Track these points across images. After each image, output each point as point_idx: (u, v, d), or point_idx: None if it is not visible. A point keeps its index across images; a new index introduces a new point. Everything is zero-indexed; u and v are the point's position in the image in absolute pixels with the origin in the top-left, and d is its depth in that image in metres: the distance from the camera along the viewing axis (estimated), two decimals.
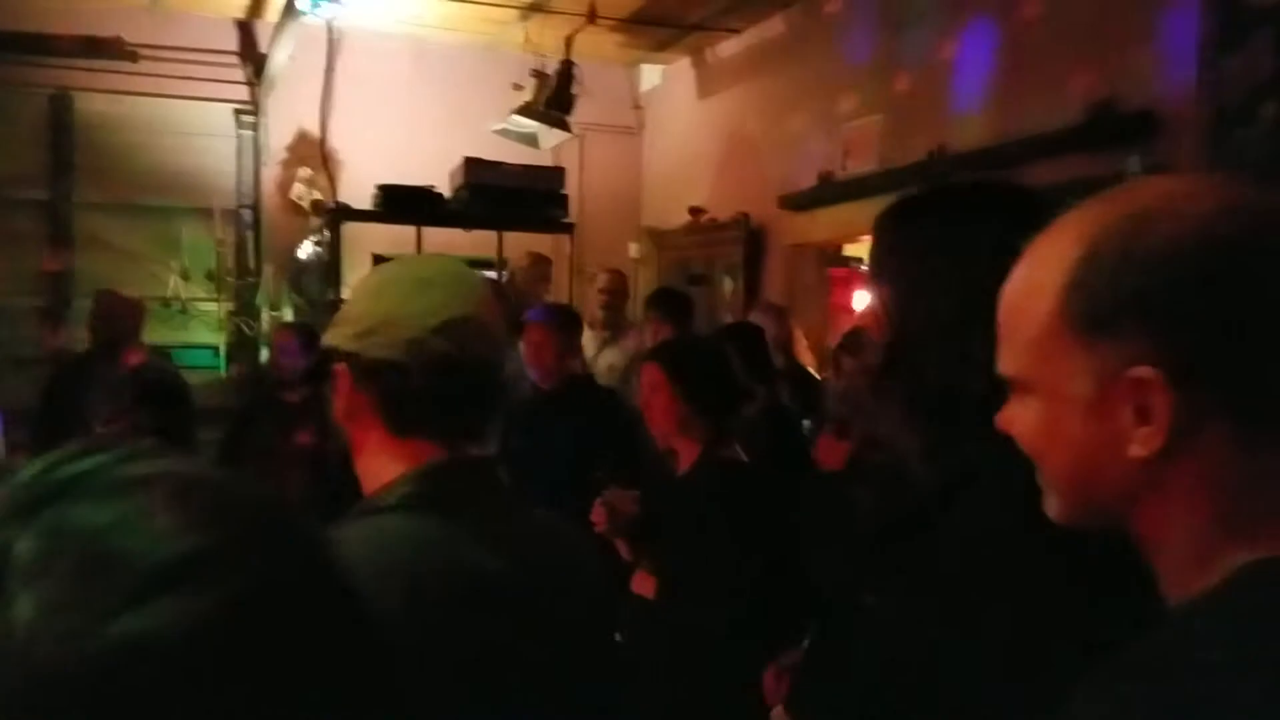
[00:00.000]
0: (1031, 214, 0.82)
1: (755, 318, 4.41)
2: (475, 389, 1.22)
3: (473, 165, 5.16)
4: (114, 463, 0.37)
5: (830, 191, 4.92)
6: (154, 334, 5.55)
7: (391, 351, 1.16)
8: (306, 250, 5.68)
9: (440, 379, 1.17)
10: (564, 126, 5.41)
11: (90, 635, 0.31)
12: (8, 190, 5.61)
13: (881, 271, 1.23)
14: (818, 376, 4.44)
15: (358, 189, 5.42)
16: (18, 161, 5.62)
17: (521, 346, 3.72)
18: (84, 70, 5.61)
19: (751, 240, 5.66)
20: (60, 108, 5.67)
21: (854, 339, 3.44)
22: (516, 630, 1.09)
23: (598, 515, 2.54)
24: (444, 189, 5.29)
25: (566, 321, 3.87)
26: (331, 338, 1.23)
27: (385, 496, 1.16)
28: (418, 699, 0.39)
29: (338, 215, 5.06)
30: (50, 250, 5.67)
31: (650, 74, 6.88)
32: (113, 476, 0.36)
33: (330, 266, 5.23)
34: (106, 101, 5.69)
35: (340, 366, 1.21)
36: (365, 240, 5.47)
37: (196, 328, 5.88)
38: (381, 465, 1.20)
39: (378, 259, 6.22)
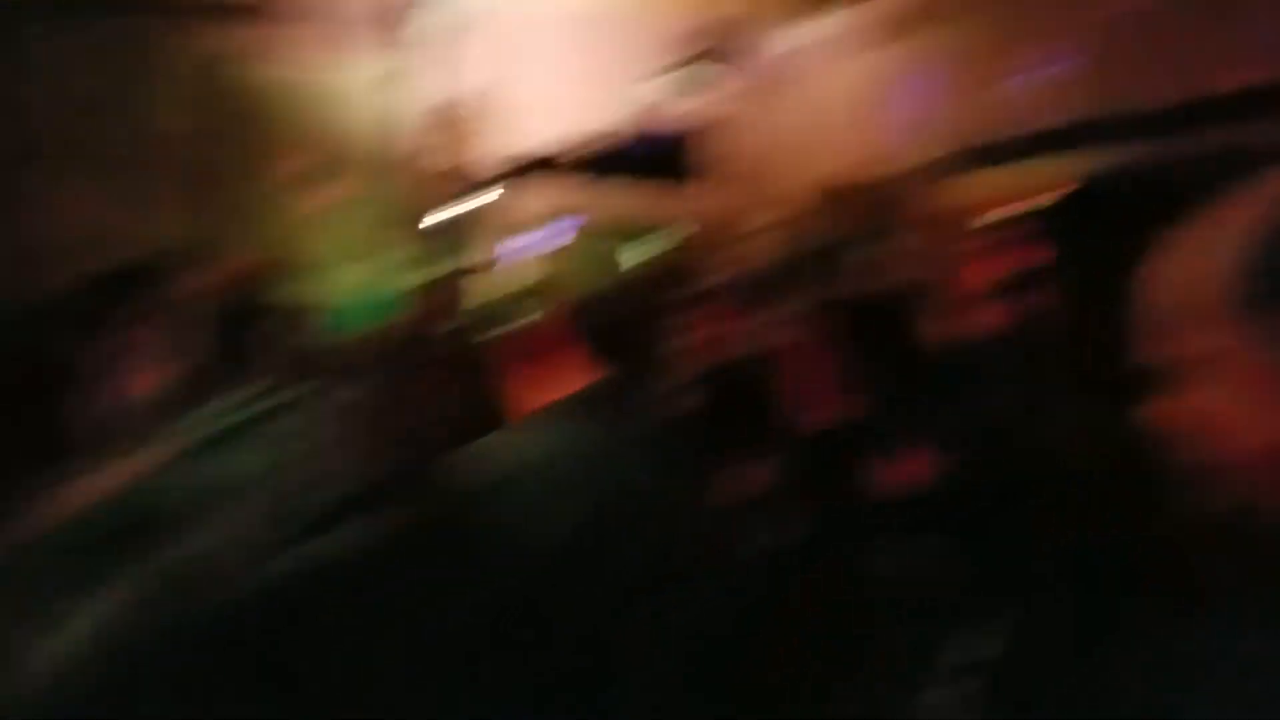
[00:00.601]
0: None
1: None
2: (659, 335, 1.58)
3: (627, 120, 5.08)
4: (285, 405, 0.34)
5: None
6: (312, 290, 5.69)
7: (599, 290, 1.44)
8: (451, 211, 5.71)
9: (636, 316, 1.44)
10: (724, 78, 5.25)
11: (267, 562, 0.37)
12: (164, 149, 5.80)
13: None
14: None
15: (511, 148, 5.40)
16: (173, 120, 5.81)
17: None
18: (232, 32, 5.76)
19: (905, 202, 5.38)
20: (216, 65, 5.82)
21: None
22: None
23: None
24: (590, 148, 5.22)
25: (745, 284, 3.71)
26: (548, 278, 1.52)
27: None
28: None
29: (482, 178, 5.06)
30: None
31: (789, 32, 6.62)
32: (285, 418, 0.33)
33: (470, 228, 5.25)
34: (266, 60, 5.82)
35: (553, 302, 1.46)
36: (514, 201, 5.45)
37: (351, 285, 6.01)
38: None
39: (522, 221, 6.25)
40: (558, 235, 5.28)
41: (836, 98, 6.24)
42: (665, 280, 1.58)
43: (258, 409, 0.32)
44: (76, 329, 3.28)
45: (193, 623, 0.24)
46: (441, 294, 4.51)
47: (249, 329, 4.62)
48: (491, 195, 5.13)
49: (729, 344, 3.61)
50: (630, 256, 1.52)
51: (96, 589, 0.24)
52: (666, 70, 5.17)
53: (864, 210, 5.65)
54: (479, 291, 5.26)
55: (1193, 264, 0.70)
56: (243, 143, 5.79)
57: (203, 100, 5.77)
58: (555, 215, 5.19)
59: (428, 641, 0.28)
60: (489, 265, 5.59)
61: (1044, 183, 1.35)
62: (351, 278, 5.99)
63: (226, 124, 5.80)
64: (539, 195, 5.62)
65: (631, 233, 1.63)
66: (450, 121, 5.94)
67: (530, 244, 6.34)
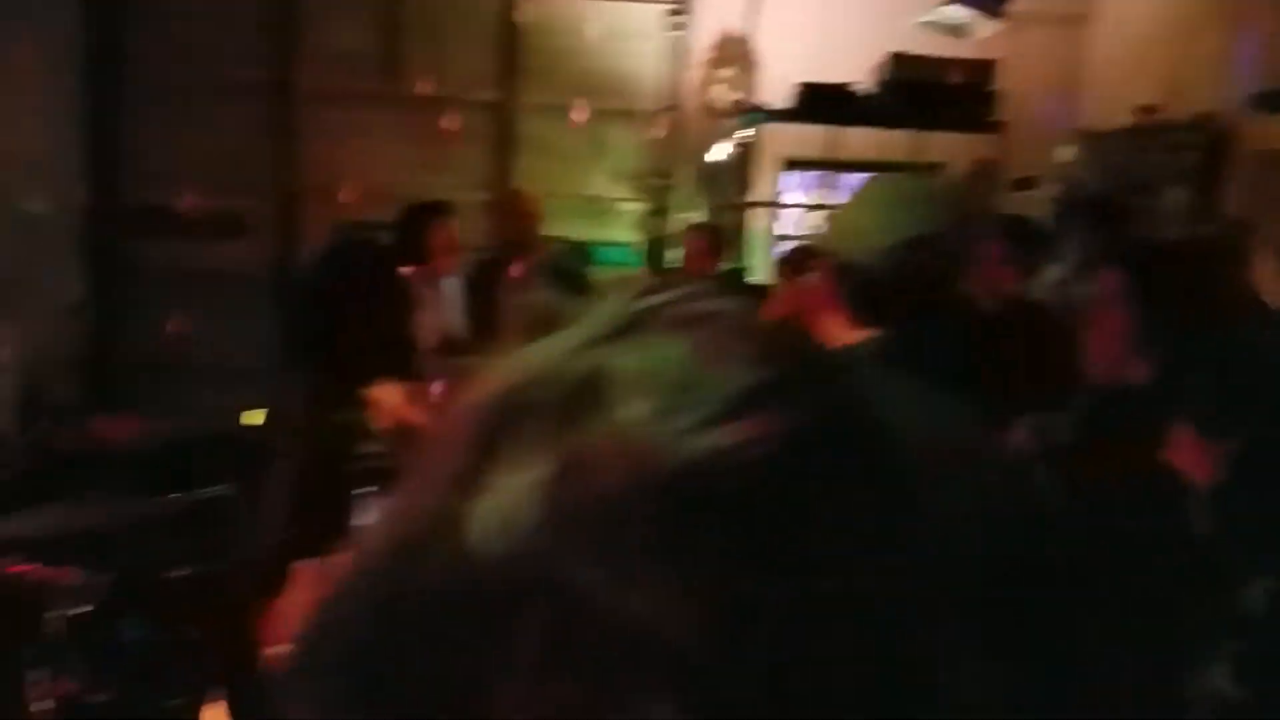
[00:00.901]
0: None
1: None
2: (929, 303, 1.38)
3: (897, 61, 4.91)
4: (685, 298, 0.39)
5: None
6: (578, 231, 5.98)
7: (865, 255, 1.35)
8: (719, 152, 5.77)
9: (902, 283, 1.35)
10: (999, 14, 4.96)
11: (676, 447, 0.32)
12: (464, 90, 6.20)
13: None
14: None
15: (778, 90, 5.38)
16: (471, 64, 6.18)
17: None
18: None
19: (1212, 145, 4.91)
20: (510, 9, 6.13)
21: None
22: None
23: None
24: (867, 87, 5.10)
25: (1025, 237, 3.53)
26: (821, 235, 1.61)
27: None
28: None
29: (756, 115, 5.04)
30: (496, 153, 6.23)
31: None
32: (685, 310, 0.38)
33: (742, 168, 5.28)
34: (551, 4, 6.07)
35: (823, 260, 1.45)
36: (779, 143, 5.45)
37: (618, 226, 6.22)
38: None
39: (788, 163, 6.24)
40: (831, 186, 5.21)
41: (1132, 31, 5.75)
42: (949, 232, 1.54)
43: (672, 295, 0.33)
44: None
45: (619, 493, 0.27)
46: (714, 232, 4.59)
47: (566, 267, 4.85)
48: (758, 134, 5.14)
49: (1011, 295, 3.47)
50: (903, 212, 1.52)
51: (527, 458, 0.27)
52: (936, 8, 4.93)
53: (1165, 150, 5.21)
54: (754, 231, 5.29)
55: None
56: (534, 85, 6.11)
57: (501, 44, 6.12)
58: (828, 162, 5.16)
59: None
60: (766, 204, 5.63)
61: None
62: (621, 219, 6.21)
63: (520, 66, 6.13)
64: (804, 138, 5.57)
65: (907, 189, 1.61)
66: (729, 58, 5.97)
67: (805, 187, 6.28)
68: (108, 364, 6.23)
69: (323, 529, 2.13)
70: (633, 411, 0.34)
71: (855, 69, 5.13)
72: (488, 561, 0.31)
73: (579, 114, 5.96)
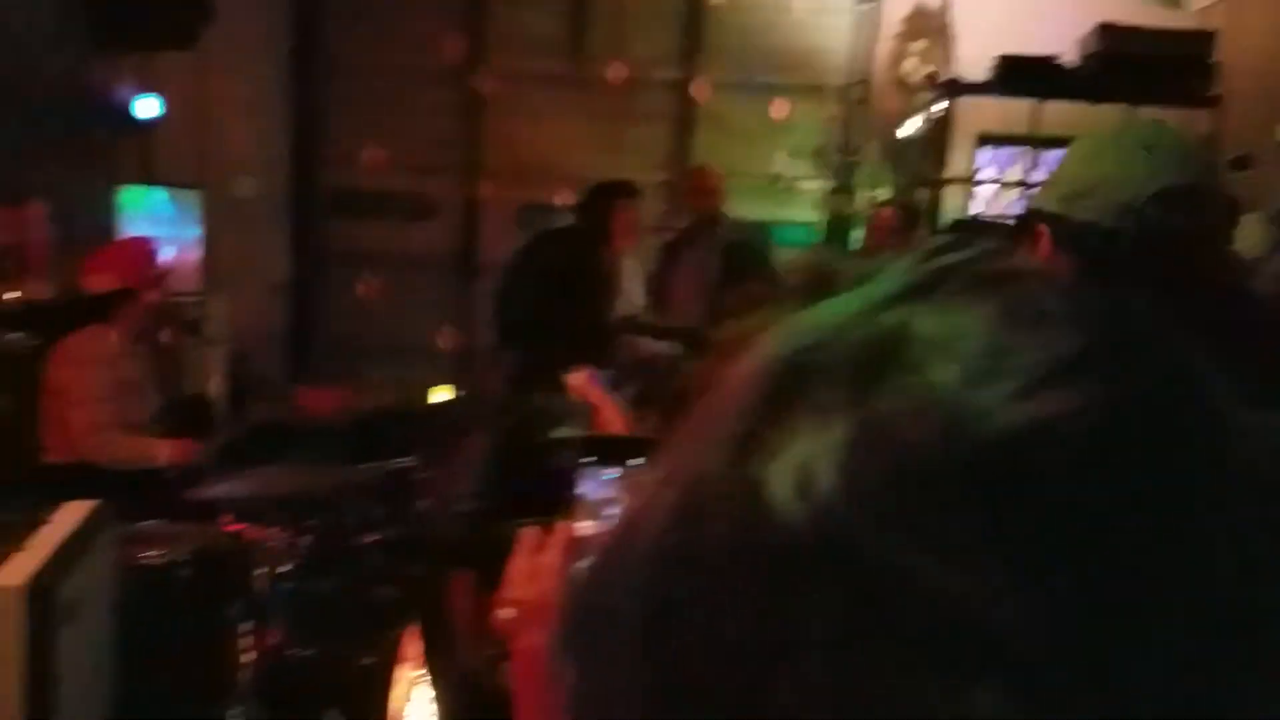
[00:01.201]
0: None
1: None
2: (1187, 264, 1.16)
3: (1106, 31, 4.57)
4: (984, 256, 0.36)
5: None
6: (755, 209, 5.87)
7: (1101, 215, 1.14)
8: (910, 128, 5.54)
9: (1150, 248, 1.13)
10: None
11: (978, 420, 0.30)
12: (646, 71, 6.19)
13: None
14: None
15: (975, 62, 5.11)
16: (657, 44, 6.17)
17: None
18: None
19: None
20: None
21: None
22: None
23: None
24: (1071, 59, 4.79)
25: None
26: (1037, 199, 1.26)
27: None
28: None
29: (951, 89, 4.80)
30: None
31: None
32: (986, 269, 0.35)
33: (935, 144, 5.05)
34: None
35: (1042, 228, 1.21)
36: (973, 118, 5.19)
37: (797, 205, 6.07)
38: None
39: (983, 139, 5.94)
40: (1031, 162, 4.92)
41: None
42: (1207, 185, 1.30)
43: (969, 254, 0.30)
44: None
45: (928, 461, 0.24)
46: (905, 209, 4.41)
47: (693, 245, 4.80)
48: (952, 108, 4.90)
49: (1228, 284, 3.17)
50: (1152, 161, 1.24)
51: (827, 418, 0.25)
52: None
53: None
54: (947, 209, 5.07)
55: None
56: (718, 64, 6.05)
57: (686, 24, 6.08)
58: (1027, 138, 4.87)
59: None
60: (961, 181, 5.38)
61: None
62: (801, 197, 6.07)
63: (704, 45, 6.07)
64: (1001, 113, 5.29)
65: (1154, 135, 1.32)
66: (921, 31, 5.74)
67: (1001, 164, 5.98)
68: (307, 339, 6.58)
69: (520, 500, 2.14)
70: (938, 375, 0.31)
71: (1055, 41, 4.83)
72: (785, 525, 0.30)
73: (778, 108, 5.85)
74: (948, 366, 0.32)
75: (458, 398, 5.00)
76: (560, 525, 0.77)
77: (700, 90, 6.12)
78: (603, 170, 5.19)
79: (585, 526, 0.78)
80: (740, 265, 4.60)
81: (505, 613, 0.76)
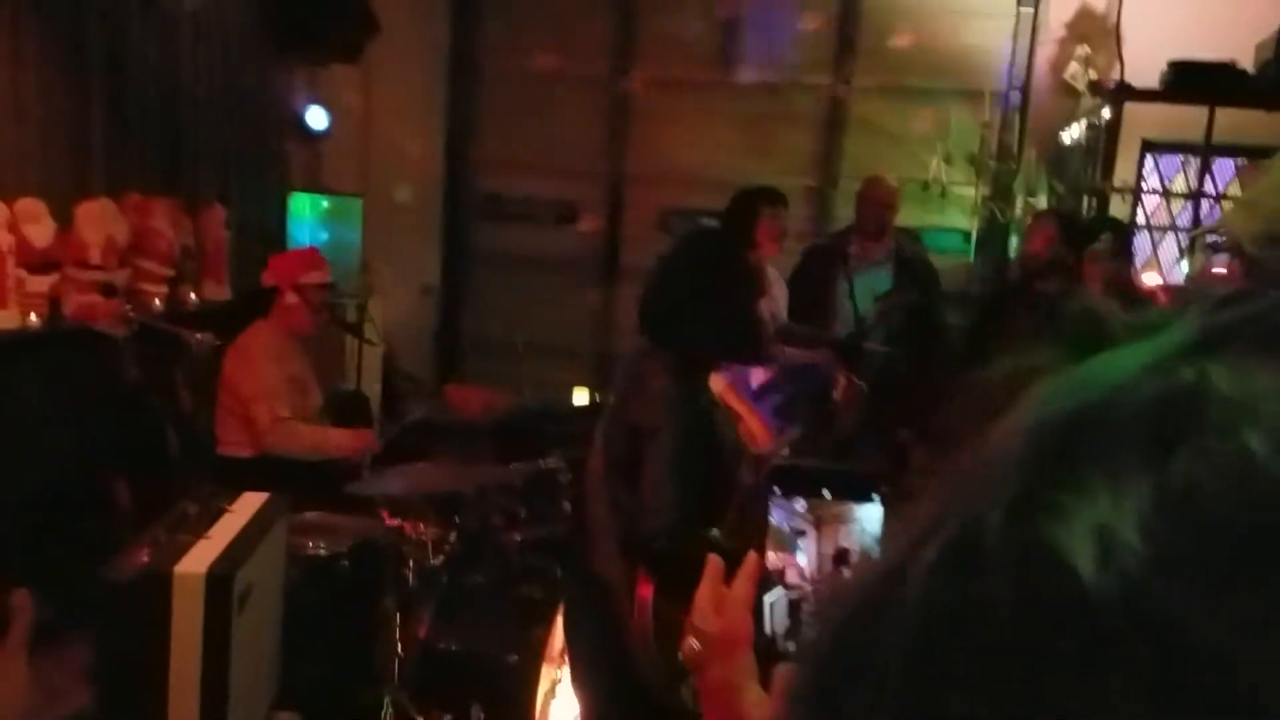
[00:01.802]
0: None
1: None
2: None
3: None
4: (1273, 311, 0.34)
5: None
6: (908, 216, 5.73)
7: None
8: (1072, 134, 5.33)
9: None
10: None
11: None
12: (796, 75, 6.14)
13: None
14: None
15: (1140, 67, 4.88)
16: (807, 48, 6.10)
17: None
18: None
19: None
20: None
21: None
22: None
23: None
24: (1247, 64, 4.51)
25: None
26: (1231, 219, 1.15)
27: None
28: None
29: (1119, 95, 4.59)
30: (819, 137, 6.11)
31: None
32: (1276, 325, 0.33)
33: (1099, 151, 4.84)
34: None
35: (1234, 263, 1.18)
36: (1137, 124, 4.95)
37: (951, 211, 5.91)
38: None
39: (1147, 145, 5.66)
40: (1204, 171, 4.66)
41: None
42: None
43: (1262, 306, 0.28)
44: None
45: (1244, 533, 0.22)
46: (1067, 219, 4.24)
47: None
48: (1118, 114, 4.67)
49: None
50: None
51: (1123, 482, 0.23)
52: None
53: None
54: (1117, 215, 4.85)
55: None
56: (869, 68, 5.96)
57: (837, 28, 6.01)
58: (1197, 146, 4.60)
59: None
60: (1129, 190, 5.13)
61: None
62: (955, 204, 5.90)
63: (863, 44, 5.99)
64: (1168, 119, 5.03)
65: None
66: (1085, 35, 5.50)
67: (1169, 171, 5.67)
68: (454, 339, 6.79)
69: (707, 515, 2.16)
70: (1247, 441, 0.30)
71: (1223, 47, 4.56)
72: (1088, 593, 0.29)
73: (932, 113, 5.72)
74: (1255, 431, 0.30)
75: (603, 402, 5.06)
76: (749, 556, 0.77)
77: (851, 95, 6.03)
78: (748, 176, 5.18)
79: (774, 558, 0.78)
80: (910, 279, 4.54)
81: (692, 644, 0.77)
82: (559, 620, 3.19)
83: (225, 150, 4.64)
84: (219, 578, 2.43)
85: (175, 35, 4.30)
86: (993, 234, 5.83)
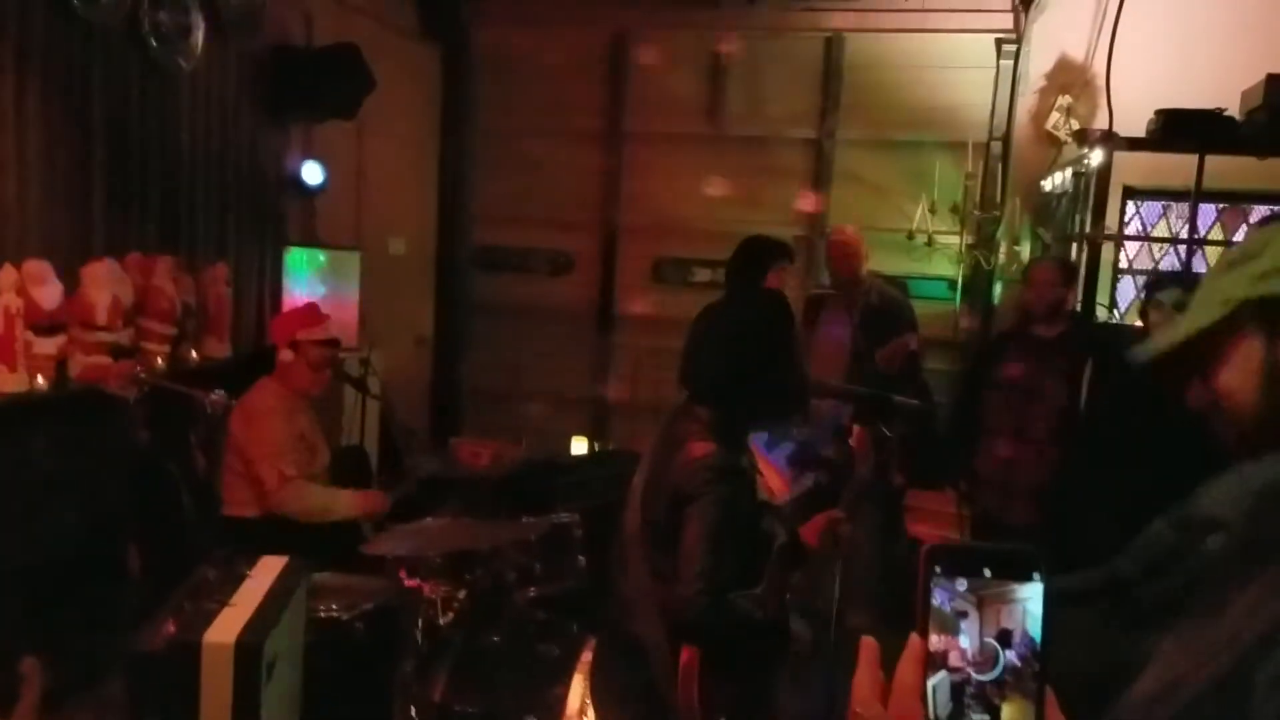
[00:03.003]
0: None
1: None
2: None
3: (1275, 83, 4.43)
4: None
5: None
6: (894, 265, 5.82)
7: None
8: (1054, 182, 5.44)
9: None
10: None
11: None
12: (782, 129, 6.24)
13: None
14: None
15: (1123, 116, 5.01)
16: (793, 103, 6.22)
17: None
18: (856, 11, 5.98)
19: None
20: (833, 49, 6.12)
21: None
22: None
23: None
24: (1234, 112, 4.64)
25: None
26: (1232, 286, 1.04)
27: None
28: None
29: (1108, 143, 4.70)
30: (807, 190, 6.21)
31: None
32: None
33: (1082, 198, 4.94)
34: (874, 40, 6.00)
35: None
36: (1120, 171, 5.07)
37: (937, 260, 6.01)
38: None
39: (1129, 191, 5.79)
40: (1191, 217, 4.77)
41: None
42: None
43: None
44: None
45: None
46: (1064, 266, 4.31)
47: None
48: (1105, 162, 4.78)
49: None
50: None
51: None
52: None
53: None
54: (1098, 264, 4.95)
55: None
56: (853, 121, 6.07)
57: (822, 83, 6.13)
58: (1182, 192, 4.71)
59: None
60: (1122, 237, 5.25)
61: None
62: (940, 253, 6.00)
63: (846, 99, 6.10)
64: (1153, 167, 5.15)
65: None
66: (1068, 84, 5.65)
67: (1152, 218, 5.78)
68: (450, 390, 6.77)
69: (744, 579, 2.14)
70: None
71: (1219, 93, 4.69)
72: None
73: (916, 163, 5.81)
74: None
75: (612, 451, 5.06)
76: (912, 638, 0.78)
77: (835, 148, 6.14)
78: (739, 226, 5.23)
79: (936, 640, 0.79)
80: (881, 327, 4.56)
81: None
82: (576, 679, 3.16)
83: (224, 207, 4.64)
84: (248, 647, 2.39)
85: (174, 96, 4.31)
86: (978, 281, 5.92)
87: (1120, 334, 4.89)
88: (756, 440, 3.41)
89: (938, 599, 0.80)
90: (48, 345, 3.43)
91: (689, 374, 2.30)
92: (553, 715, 3.20)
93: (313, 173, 5.14)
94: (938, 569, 0.80)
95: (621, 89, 6.41)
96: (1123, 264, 5.78)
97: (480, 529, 3.59)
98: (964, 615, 0.79)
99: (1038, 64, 5.76)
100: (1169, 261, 5.60)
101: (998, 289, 5.84)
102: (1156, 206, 5.80)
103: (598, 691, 2.65)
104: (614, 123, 6.43)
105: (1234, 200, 5.55)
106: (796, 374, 2.28)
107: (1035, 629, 0.79)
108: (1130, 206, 5.82)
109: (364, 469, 4.66)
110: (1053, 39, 5.69)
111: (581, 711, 3.16)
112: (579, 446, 5.84)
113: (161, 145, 4.25)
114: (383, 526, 3.62)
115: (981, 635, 0.80)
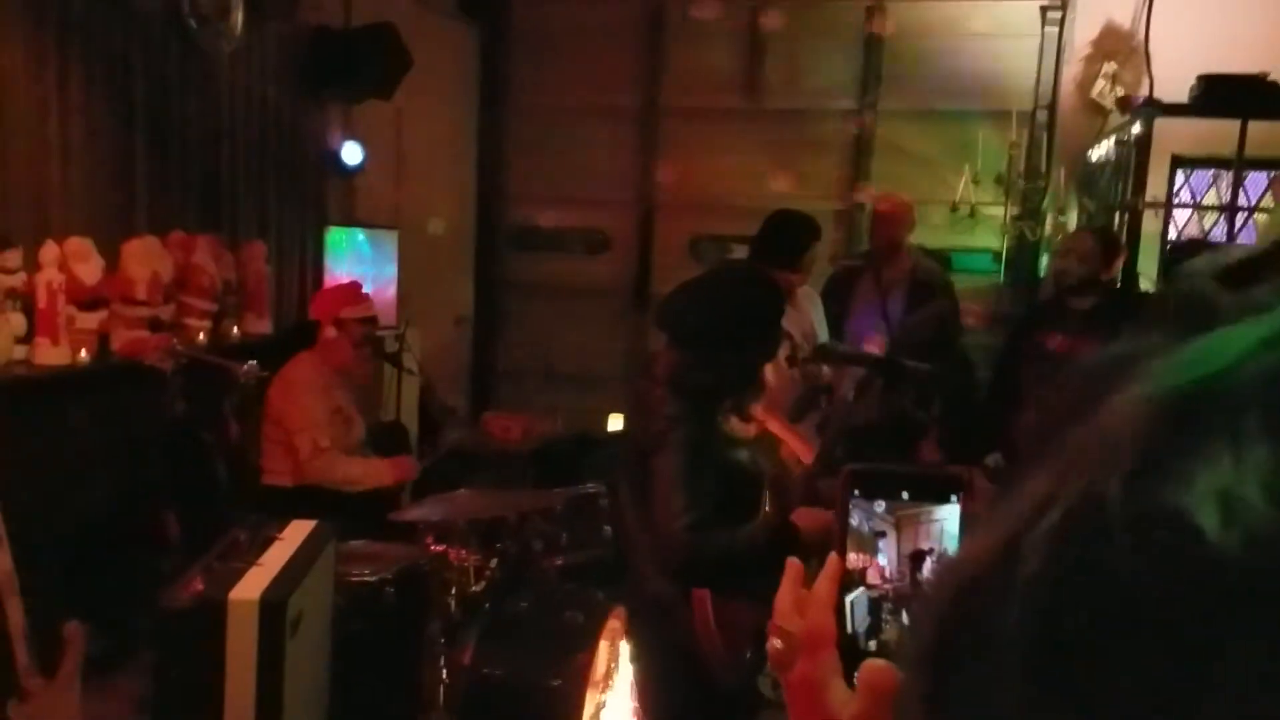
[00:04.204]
0: None
1: None
2: None
3: None
4: None
5: None
6: (937, 238, 5.75)
7: None
8: (1101, 151, 5.33)
9: None
10: None
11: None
12: (822, 101, 6.19)
13: None
14: None
15: (1168, 83, 4.89)
16: (833, 74, 6.16)
17: None
18: None
19: None
20: (874, 18, 6.04)
21: None
22: None
23: None
24: (1277, 76, 4.50)
25: None
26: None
27: None
28: None
29: (1149, 111, 4.59)
30: (848, 168, 6.15)
31: None
32: None
33: (1129, 168, 4.83)
34: (916, 9, 5.91)
35: None
36: (1166, 140, 4.94)
37: (980, 232, 5.92)
38: None
39: (1177, 160, 5.65)
40: (1237, 185, 4.65)
41: None
42: None
43: None
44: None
45: None
46: (1105, 235, 4.24)
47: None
48: (1148, 130, 4.66)
49: None
50: None
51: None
52: None
53: None
54: (1149, 231, 4.84)
55: None
56: (896, 91, 6.00)
57: (863, 53, 6.06)
58: (1229, 160, 4.59)
59: None
60: (1162, 205, 5.12)
61: None
62: (984, 224, 5.91)
63: (887, 69, 6.04)
64: (1198, 134, 5.02)
65: None
66: (1112, 52, 5.52)
67: (1199, 186, 5.65)
68: (489, 368, 6.85)
69: (726, 520, 2.20)
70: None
71: (1252, 60, 4.56)
72: (1216, 553, 0.29)
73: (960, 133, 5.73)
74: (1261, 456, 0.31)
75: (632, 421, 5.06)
76: (831, 556, 0.79)
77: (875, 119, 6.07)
78: (777, 201, 5.20)
79: (854, 559, 0.80)
80: (920, 298, 4.53)
81: (776, 643, 0.79)
82: (601, 645, 3.20)
83: (264, 187, 4.74)
84: (272, 604, 2.47)
85: (215, 77, 4.40)
86: (1022, 253, 5.83)
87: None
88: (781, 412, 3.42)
89: (855, 519, 0.81)
90: (89, 320, 3.54)
91: (669, 316, 2.39)
92: (578, 681, 3.25)
93: (352, 153, 5.22)
94: (856, 491, 0.82)
95: (658, 64, 6.39)
96: (1171, 234, 5.64)
97: (508, 498, 3.66)
98: (882, 535, 0.81)
99: (1083, 31, 5.63)
100: (1219, 232, 5.45)
101: (1043, 261, 5.74)
102: (1206, 175, 5.65)
103: (637, 657, 2.72)
104: (651, 99, 6.42)
105: None
106: (765, 357, 2.36)
107: (953, 548, 0.80)
108: (1180, 176, 5.68)
109: (403, 444, 4.73)
110: (1098, 5, 5.55)
111: (607, 676, 3.20)
112: (615, 423, 5.87)
113: (202, 126, 4.35)
114: (415, 495, 3.70)
115: (900, 554, 0.81)
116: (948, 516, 0.81)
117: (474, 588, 3.42)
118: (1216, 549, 0.29)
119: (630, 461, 2.37)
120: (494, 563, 3.48)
